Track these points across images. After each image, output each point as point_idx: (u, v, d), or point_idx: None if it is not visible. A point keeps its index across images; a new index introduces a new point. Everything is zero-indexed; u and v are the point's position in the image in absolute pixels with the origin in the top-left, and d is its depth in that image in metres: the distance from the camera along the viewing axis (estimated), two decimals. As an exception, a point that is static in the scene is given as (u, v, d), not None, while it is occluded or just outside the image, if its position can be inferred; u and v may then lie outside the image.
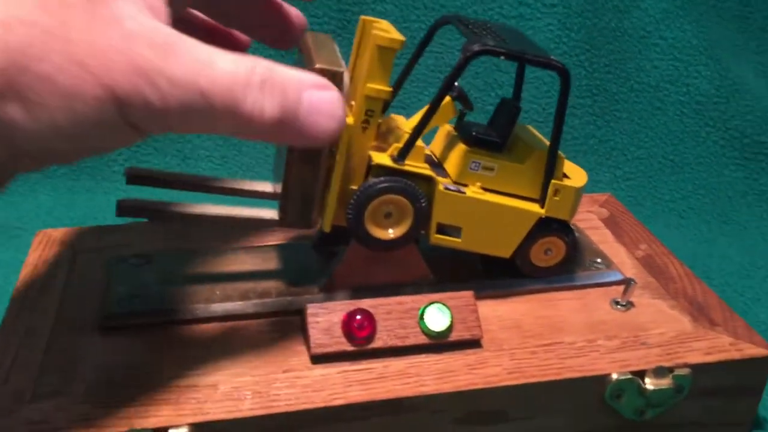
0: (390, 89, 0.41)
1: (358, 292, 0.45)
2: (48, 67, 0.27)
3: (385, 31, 0.41)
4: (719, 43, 0.81)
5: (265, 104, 0.30)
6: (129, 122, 0.29)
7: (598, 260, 0.51)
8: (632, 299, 0.48)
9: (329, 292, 0.45)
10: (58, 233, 0.53)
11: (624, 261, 0.53)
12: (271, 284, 0.46)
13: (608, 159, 0.79)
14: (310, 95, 0.31)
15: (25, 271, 0.48)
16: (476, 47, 0.40)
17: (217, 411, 0.37)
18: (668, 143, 0.80)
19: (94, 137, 0.29)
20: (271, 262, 0.49)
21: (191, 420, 0.36)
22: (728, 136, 0.79)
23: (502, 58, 0.40)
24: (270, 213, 0.44)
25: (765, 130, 0.79)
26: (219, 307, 0.44)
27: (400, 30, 0.44)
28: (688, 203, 0.76)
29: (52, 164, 0.32)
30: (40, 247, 0.51)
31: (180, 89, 0.28)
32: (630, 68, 0.81)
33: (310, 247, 0.50)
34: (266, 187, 0.46)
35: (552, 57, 0.41)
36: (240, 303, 0.45)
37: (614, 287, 0.49)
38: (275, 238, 0.52)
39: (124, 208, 0.42)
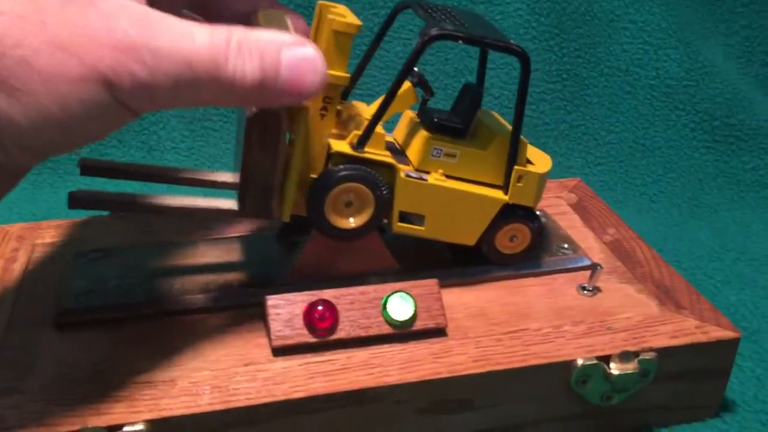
0: (347, 75, 0.40)
1: (320, 283, 0.44)
2: (24, 51, 0.27)
3: (342, 15, 0.40)
4: (688, 26, 0.81)
5: (246, 68, 0.30)
6: (119, 101, 0.29)
7: (565, 246, 0.51)
8: (599, 284, 0.47)
9: (291, 283, 0.44)
10: (15, 228, 0.51)
11: (592, 246, 0.52)
12: (232, 276, 0.46)
13: (579, 144, 0.79)
14: (288, 53, 0.32)
15: (-20, 268, 0.47)
16: (433, 31, 0.39)
17: (174, 406, 0.36)
18: (639, 127, 0.80)
19: (85, 121, 0.29)
20: (232, 254, 0.48)
21: (147, 416, 0.35)
22: (698, 119, 0.79)
23: (461, 42, 0.40)
24: (229, 203, 0.43)
25: (734, 113, 0.79)
26: (178, 301, 0.43)
27: (363, 16, 0.43)
28: (658, 187, 0.76)
29: (48, 156, 0.32)
30: (-4, 243, 0.50)
31: (166, 61, 0.29)
32: (600, 52, 0.80)
33: (273, 238, 0.50)
34: (227, 177, 0.45)
35: (512, 41, 0.41)
36: (200, 296, 0.44)
37: (581, 272, 0.49)
38: (237, 230, 0.51)
39: (76, 199, 0.41)
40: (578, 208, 0.58)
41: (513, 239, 0.47)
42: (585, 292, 0.47)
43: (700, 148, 0.79)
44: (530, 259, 0.48)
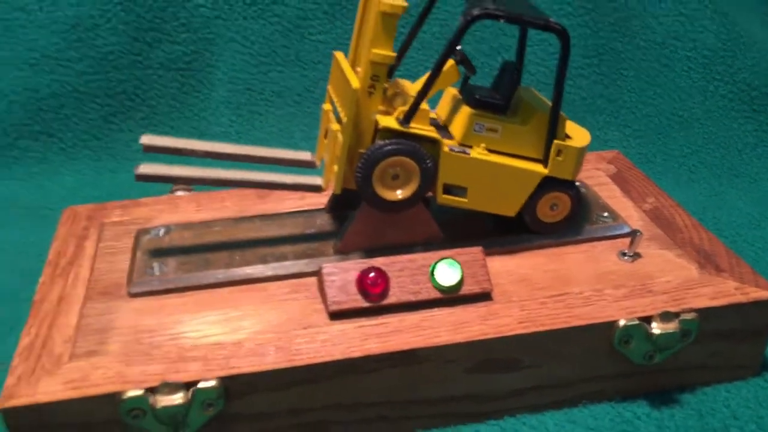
0: (394, 54, 0.42)
1: (370, 253, 0.47)
2: None
3: (389, -4, 0.42)
4: (724, -2, 0.81)
5: None
6: None
7: (605, 214, 0.52)
8: (639, 250, 0.49)
9: (343, 253, 0.47)
10: (84, 209, 0.55)
11: (631, 214, 0.54)
12: (288, 248, 0.48)
13: (616, 118, 0.80)
14: None
15: (56, 244, 0.51)
16: (476, 11, 0.41)
17: (243, 365, 0.39)
18: (676, 99, 0.80)
19: None
20: (287, 228, 0.51)
21: (219, 374, 0.39)
22: (736, 89, 0.79)
23: (502, 21, 0.41)
24: (314, 179, 0.46)
25: (774, 82, 0.79)
26: (240, 271, 0.46)
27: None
28: (698, 158, 0.77)
29: None
30: (68, 222, 0.53)
31: None
32: (635, 26, 0.81)
33: (325, 211, 0.52)
34: (306, 156, 0.49)
35: (551, 19, 0.42)
36: (259, 266, 0.47)
37: (621, 240, 0.50)
38: (289, 206, 0.54)
39: (141, 176, 0.44)
40: (617, 178, 0.59)
41: (553, 208, 0.49)
42: (625, 257, 0.48)
43: (738, 118, 0.79)
44: (570, 228, 0.50)
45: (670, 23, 0.80)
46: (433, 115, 0.49)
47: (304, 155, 0.51)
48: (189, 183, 0.46)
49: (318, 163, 0.51)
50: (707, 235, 0.51)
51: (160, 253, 0.48)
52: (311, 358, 0.40)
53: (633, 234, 0.48)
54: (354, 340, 0.41)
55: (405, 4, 0.41)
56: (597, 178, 0.59)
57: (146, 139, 0.47)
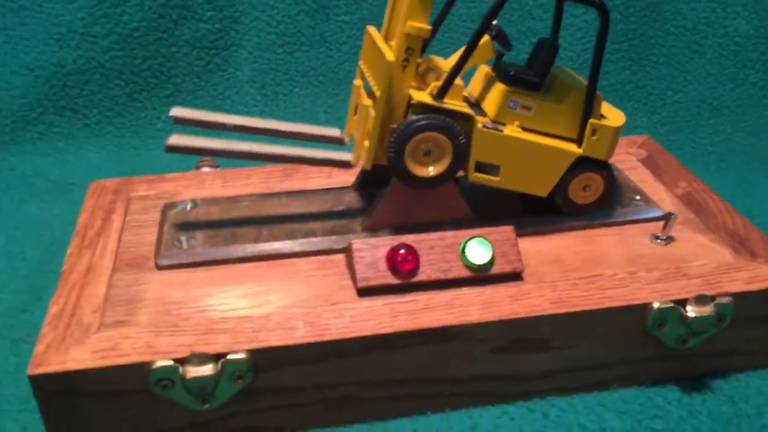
0: (429, 27, 0.41)
1: (399, 230, 0.46)
2: None
3: (423, -32, 0.41)
4: (760, -18, 0.79)
5: None
6: None
7: (637, 197, 0.51)
8: (672, 234, 0.48)
9: (372, 230, 0.47)
10: (111, 183, 0.55)
11: (663, 198, 0.53)
12: (316, 225, 0.48)
13: (645, 104, 0.79)
14: None
15: (83, 216, 0.50)
16: (515, -19, 0.40)
17: (272, 338, 0.39)
18: (706, 86, 0.79)
19: None
20: (314, 205, 0.50)
21: (248, 346, 0.38)
22: (766, 77, 0.78)
23: (542, -8, 0.41)
24: (344, 155, 0.46)
25: (807, 70, 0.77)
26: (267, 246, 0.46)
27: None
28: (728, 146, 0.75)
29: None
30: (95, 195, 0.53)
31: None
32: (666, 11, 0.79)
33: (352, 189, 0.52)
34: (335, 132, 0.49)
35: None
36: (287, 242, 0.46)
37: (654, 223, 0.50)
38: (316, 184, 0.54)
39: (172, 147, 0.44)
40: (648, 163, 0.58)
41: (586, 189, 0.48)
42: (658, 241, 0.48)
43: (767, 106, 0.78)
44: (603, 210, 0.49)
45: (702, 9, 0.78)
46: (465, 93, 0.49)
47: (333, 131, 0.50)
48: (218, 155, 0.45)
49: (347, 139, 0.50)
50: (741, 221, 0.50)
51: (187, 226, 0.48)
52: (340, 333, 0.40)
53: (667, 217, 0.47)
54: (383, 316, 0.41)
55: (442, -24, 0.40)
56: (628, 162, 0.58)
57: (176, 111, 0.47)
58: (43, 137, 0.73)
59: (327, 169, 0.54)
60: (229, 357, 0.38)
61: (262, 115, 0.77)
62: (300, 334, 0.39)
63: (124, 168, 0.71)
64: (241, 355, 0.38)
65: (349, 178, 0.53)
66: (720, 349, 0.45)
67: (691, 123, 0.78)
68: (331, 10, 0.77)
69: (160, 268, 0.45)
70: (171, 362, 0.37)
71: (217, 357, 0.38)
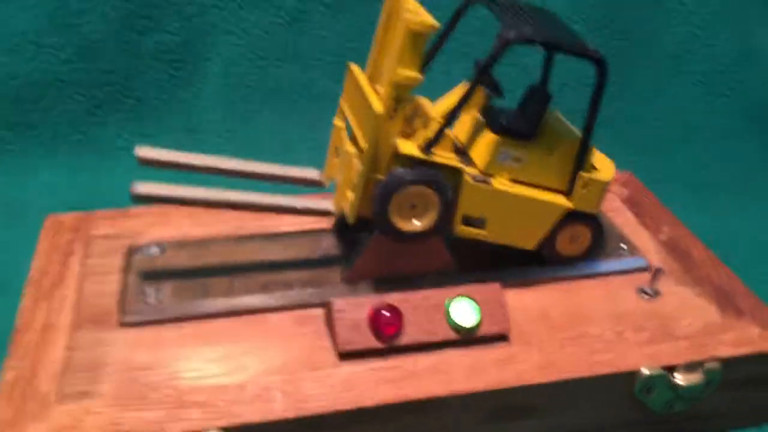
0: (420, 77, 0.39)
1: (381, 283, 0.44)
2: None
3: (416, 13, 0.39)
4: (739, 10, 0.78)
5: None
6: None
7: (623, 246, 0.50)
8: (658, 287, 0.47)
9: (351, 283, 0.45)
10: (68, 218, 0.51)
11: (647, 245, 0.52)
12: (292, 275, 0.46)
13: (623, 129, 0.78)
14: None
15: (38, 260, 0.47)
16: (512, 35, 0.38)
17: (248, 413, 0.37)
18: (684, 112, 0.79)
19: None
20: (290, 250, 0.48)
21: (223, 423, 0.36)
22: (744, 106, 0.78)
23: (540, 47, 0.38)
24: (325, 204, 0.44)
25: (783, 100, 0.77)
26: (241, 301, 0.43)
27: (426, 5, 0.42)
28: (703, 173, 0.76)
29: None
30: (50, 233, 0.50)
31: None
32: (647, 35, 0.79)
33: (330, 233, 0.49)
34: (313, 174, 0.46)
35: (589, 47, 0.39)
36: (262, 296, 0.44)
37: (639, 274, 0.48)
38: (290, 222, 0.51)
39: (139, 197, 0.41)
40: (630, 203, 0.57)
41: (573, 240, 0.46)
42: (644, 295, 0.47)
43: (744, 135, 0.78)
44: (588, 260, 0.48)
45: (684, 33, 0.78)
46: (451, 135, 0.46)
47: (312, 173, 0.48)
48: (191, 205, 0.42)
49: (327, 183, 0.48)
50: (725, 272, 0.50)
51: (154, 275, 0.45)
52: (321, 406, 0.37)
53: (656, 271, 0.46)
54: (366, 384, 0.39)
55: (435, 23, 0.38)
56: (610, 201, 0.57)
57: (142, 152, 0.44)
58: (-7, 154, 0.69)
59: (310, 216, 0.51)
60: (202, 436, 0.35)
61: (230, 133, 0.74)
62: (279, 408, 0.37)
63: (82, 192, 0.67)
64: (215, 433, 0.36)
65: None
66: (704, 411, 0.44)
67: (667, 149, 0.77)
68: (305, 23, 0.74)
69: (124, 325, 0.42)
70: (138, 444, 0.35)
71: (188, 436, 0.35)
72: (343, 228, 0.49)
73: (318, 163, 0.74)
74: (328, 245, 0.49)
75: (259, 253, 0.47)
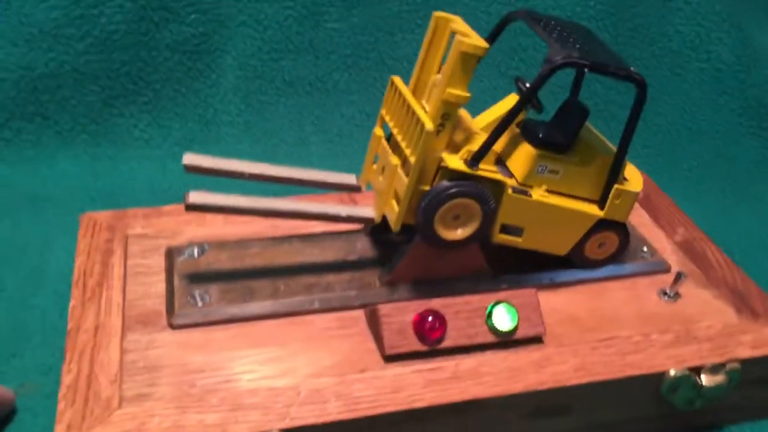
0: (468, 95, 0.40)
1: (419, 286, 0.46)
2: None
3: (467, 35, 0.40)
4: (742, 11, 0.80)
5: None
6: None
7: (644, 249, 0.52)
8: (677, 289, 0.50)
9: (390, 285, 0.46)
10: (103, 217, 0.52)
11: (664, 247, 0.54)
12: (332, 278, 0.47)
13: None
14: None
15: (80, 260, 0.48)
16: (560, 59, 0.39)
17: (305, 415, 0.38)
18: (686, 110, 0.81)
19: None
20: (328, 252, 0.49)
21: (282, 425, 0.37)
22: (746, 104, 0.80)
23: (586, 70, 0.40)
24: (367, 211, 0.45)
25: (782, 100, 0.80)
26: (286, 303, 0.45)
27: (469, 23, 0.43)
28: (705, 171, 0.78)
29: None
30: (88, 233, 0.50)
31: None
32: (653, 33, 0.80)
33: (362, 234, 0.51)
34: (351, 179, 0.48)
35: (632, 69, 0.41)
36: (306, 298, 0.45)
37: (659, 276, 0.51)
38: (322, 225, 0.52)
39: (192, 206, 0.42)
40: (646, 204, 0.59)
41: (601, 246, 0.49)
42: (666, 297, 0.49)
43: (746, 134, 0.80)
44: (612, 263, 0.50)
45: (688, 33, 0.80)
46: None
47: (350, 179, 0.49)
48: (241, 214, 0.43)
49: (363, 186, 0.49)
50: (739, 274, 0.52)
51: (198, 278, 0.46)
52: (373, 408, 0.39)
53: (677, 276, 0.49)
54: (413, 387, 0.40)
55: (486, 45, 0.39)
56: (626, 202, 0.59)
57: (188, 159, 0.44)
58: (9, 144, 0.68)
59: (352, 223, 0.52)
60: (264, 438, 0.37)
61: (246, 125, 0.74)
62: (333, 410, 0.39)
63: (103, 182, 0.67)
64: (275, 435, 0.37)
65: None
66: (720, 406, 0.47)
67: (670, 146, 0.79)
68: (320, 16, 0.74)
69: (174, 327, 0.43)
70: (204, 446, 0.36)
71: (251, 438, 0.37)
72: (375, 230, 0.51)
73: (331, 155, 0.75)
74: (363, 247, 0.50)
75: (298, 254, 0.49)
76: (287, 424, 0.38)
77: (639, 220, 0.57)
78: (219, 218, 0.53)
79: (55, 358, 0.49)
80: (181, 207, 0.54)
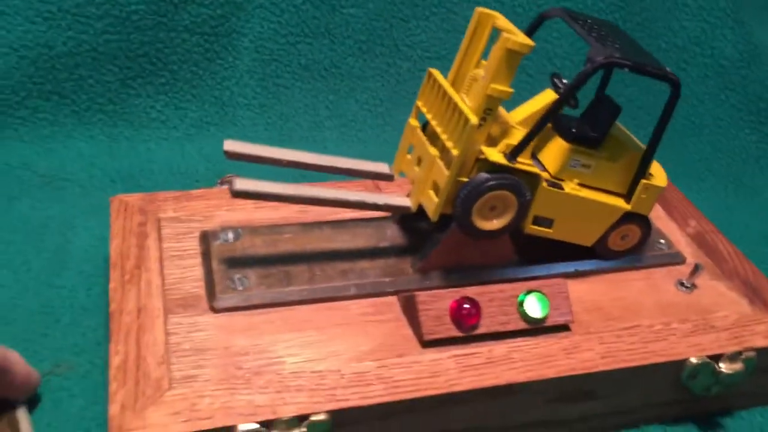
0: (511, 91, 0.41)
1: (451, 273, 0.47)
2: None
3: (512, 32, 0.41)
4: (746, 8, 0.82)
5: None
6: None
7: (661, 241, 0.54)
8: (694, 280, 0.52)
9: (423, 272, 0.47)
10: (134, 200, 0.52)
11: (678, 239, 0.56)
12: (365, 264, 0.48)
13: (634, 119, 0.82)
14: None
15: (116, 242, 0.48)
16: (601, 58, 0.41)
17: (349, 397, 0.39)
18: (690, 104, 0.83)
19: None
20: (359, 239, 0.50)
21: (328, 407, 0.39)
22: (746, 99, 0.82)
23: (625, 69, 0.41)
24: (403, 200, 0.46)
25: (781, 96, 0.82)
26: (323, 289, 0.46)
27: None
28: (706, 165, 0.80)
29: None
30: (121, 216, 0.51)
31: None
32: (659, 27, 0.82)
33: (391, 221, 0.52)
34: (384, 168, 0.48)
35: (667, 69, 0.43)
36: (342, 283, 0.46)
37: (676, 267, 0.53)
38: (352, 211, 0.53)
39: (237, 193, 0.43)
40: (659, 197, 0.61)
41: (624, 238, 0.50)
42: (683, 288, 0.51)
43: (745, 128, 0.82)
44: (632, 254, 0.52)
45: (692, 28, 0.82)
46: None
47: (383, 167, 0.50)
48: (283, 201, 0.44)
49: (396, 175, 0.50)
50: (750, 267, 0.54)
51: (236, 262, 0.47)
52: (414, 391, 0.41)
53: (695, 267, 0.51)
54: (451, 372, 0.42)
55: (532, 43, 0.40)
56: (639, 194, 0.61)
57: (229, 146, 0.45)
58: (26, 123, 0.68)
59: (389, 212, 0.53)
60: (312, 419, 0.38)
61: (262, 108, 0.74)
62: (377, 393, 0.40)
63: (121, 163, 0.67)
64: (322, 416, 0.38)
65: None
66: (733, 392, 0.49)
67: (673, 140, 0.82)
68: (337, 1, 0.75)
69: (216, 311, 0.44)
70: (257, 426, 0.37)
71: (300, 419, 0.38)
72: (403, 218, 0.52)
73: (345, 140, 0.76)
74: (393, 234, 0.51)
75: (331, 241, 0.50)
76: (333, 406, 0.39)
77: (653, 213, 0.58)
78: (249, 203, 0.53)
79: (86, 338, 0.49)
80: (210, 191, 0.55)
